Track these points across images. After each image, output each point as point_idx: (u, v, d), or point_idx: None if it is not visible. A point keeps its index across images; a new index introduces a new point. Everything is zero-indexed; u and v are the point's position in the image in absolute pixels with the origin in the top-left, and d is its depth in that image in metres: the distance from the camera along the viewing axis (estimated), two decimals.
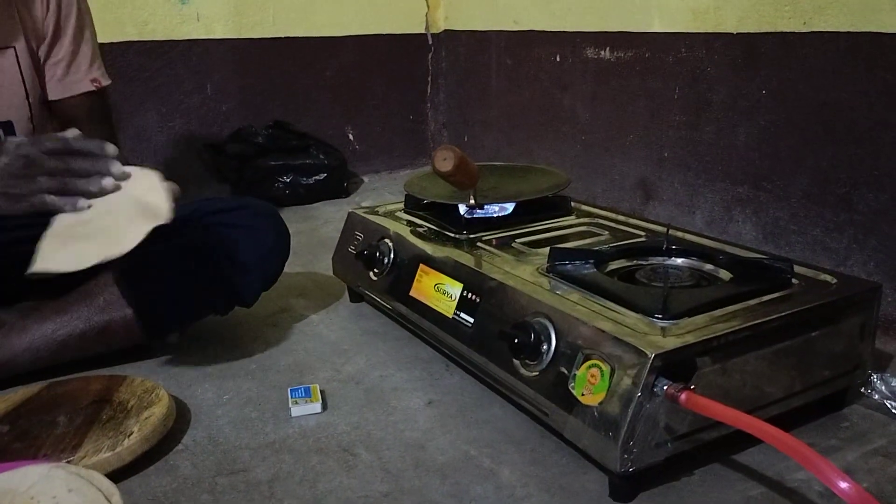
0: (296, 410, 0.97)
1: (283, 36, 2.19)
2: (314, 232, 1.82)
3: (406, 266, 1.15)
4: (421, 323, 1.10)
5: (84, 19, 1.20)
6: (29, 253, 0.89)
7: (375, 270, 1.21)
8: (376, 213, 1.32)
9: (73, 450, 0.82)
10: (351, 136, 2.38)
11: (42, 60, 1.18)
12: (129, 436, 0.84)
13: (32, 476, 0.62)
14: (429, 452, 0.88)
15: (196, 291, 1.09)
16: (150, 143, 2.06)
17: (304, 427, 0.94)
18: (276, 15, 2.17)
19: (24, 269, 0.88)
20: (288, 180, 2.06)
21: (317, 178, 2.10)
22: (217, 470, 0.85)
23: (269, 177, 2.04)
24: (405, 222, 1.26)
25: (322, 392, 1.01)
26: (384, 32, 2.36)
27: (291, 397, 0.98)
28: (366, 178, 2.38)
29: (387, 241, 1.21)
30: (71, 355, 1.05)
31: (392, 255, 1.18)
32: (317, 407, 0.97)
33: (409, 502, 0.78)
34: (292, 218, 1.89)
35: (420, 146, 2.52)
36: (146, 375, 1.02)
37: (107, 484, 0.61)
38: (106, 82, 1.24)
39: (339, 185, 2.18)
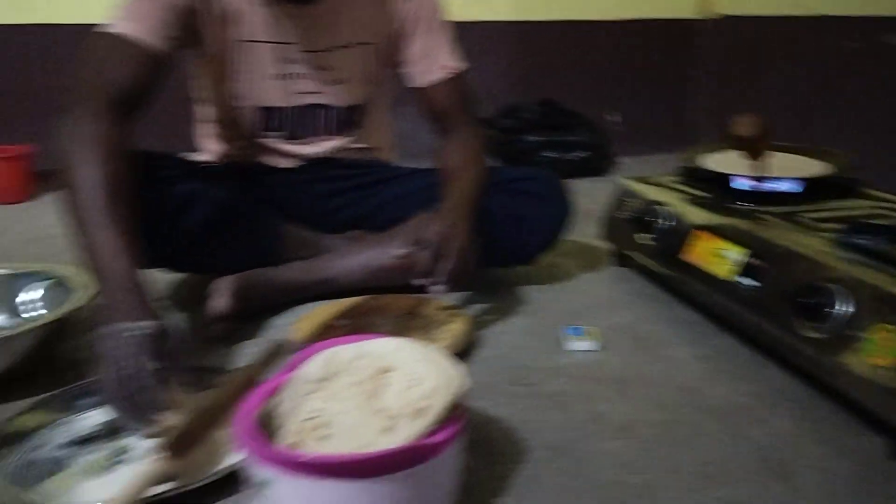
0: (571, 345, 1.07)
1: (557, 19, 2.30)
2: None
3: (679, 231, 1.20)
4: (692, 286, 1.15)
5: (439, 15, 1.29)
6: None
7: (646, 234, 1.27)
8: (649, 182, 1.38)
9: None
10: (614, 118, 2.44)
11: (399, 54, 1.30)
12: (437, 341, 1.00)
13: (389, 346, 0.77)
14: (703, 395, 0.93)
15: (487, 246, 1.18)
16: None
17: (580, 359, 1.04)
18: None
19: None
20: (552, 155, 2.18)
21: (579, 154, 2.20)
22: (509, 380, 0.97)
23: (535, 151, 2.17)
24: (679, 191, 1.30)
25: (595, 334, 1.10)
26: (653, 17, 2.39)
27: (566, 334, 1.09)
28: (625, 160, 2.43)
29: (660, 205, 1.26)
30: (380, 283, 1.22)
31: (665, 220, 1.24)
32: (590, 345, 1.06)
33: (684, 431, 0.85)
34: None
35: (682, 132, 2.51)
36: None
37: (447, 359, 0.75)
38: (459, 67, 1.29)
39: (599, 164, 2.26)
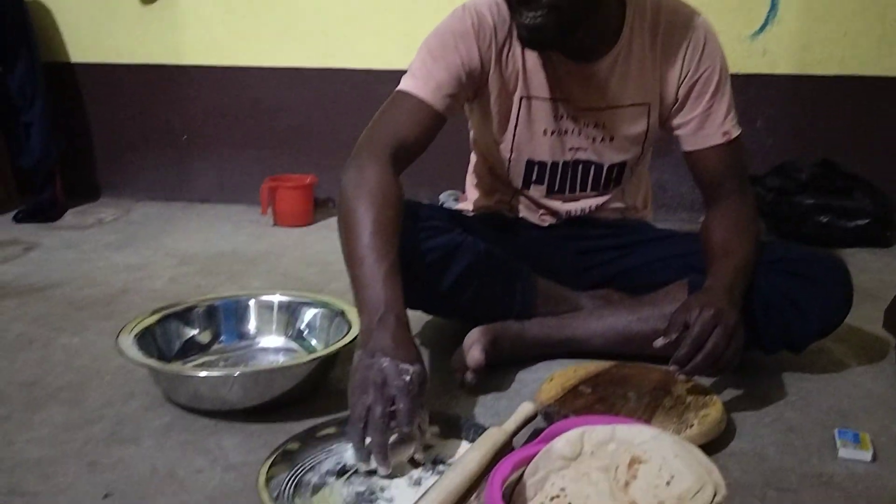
0: (843, 452, 0.96)
1: (849, 74, 2.11)
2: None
3: None
4: None
5: (723, 79, 1.22)
6: None
7: None
8: None
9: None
10: None
11: (677, 117, 1.25)
12: (689, 426, 0.95)
13: (643, 435, 0.75)
14: None
15: (754, 330, 1.12)
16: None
17: (851, 470, 0.93)
18: (844, 53, 2.09)
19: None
20: (825, 221, 1.99)
21: (857, 222, 1.99)
22: (765, 482, 0.90)
23: (809, 215, 2.00)
24: None
25: (871, 442, 0.98)
26: None
27: (839, 438, 0.98)
28: None
29: None
30: (631, 350, 1.20)
31: None
32: (866, 455, 0.95)
33: None
34: None
35: None
36: None
37: (705, 458, 0.71)
38: (736, 133, 1.23)
39: (880, 234, 2.02)
